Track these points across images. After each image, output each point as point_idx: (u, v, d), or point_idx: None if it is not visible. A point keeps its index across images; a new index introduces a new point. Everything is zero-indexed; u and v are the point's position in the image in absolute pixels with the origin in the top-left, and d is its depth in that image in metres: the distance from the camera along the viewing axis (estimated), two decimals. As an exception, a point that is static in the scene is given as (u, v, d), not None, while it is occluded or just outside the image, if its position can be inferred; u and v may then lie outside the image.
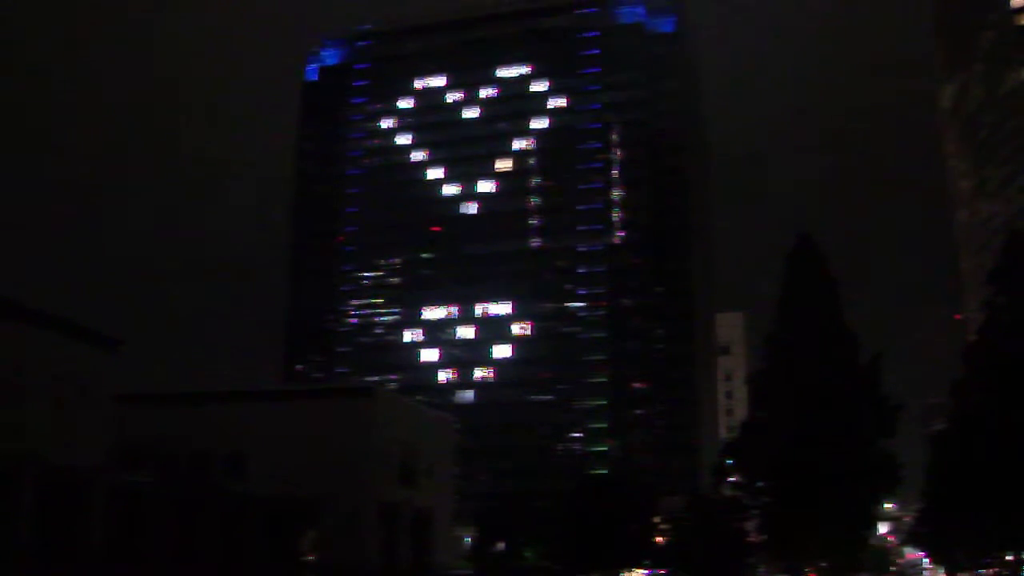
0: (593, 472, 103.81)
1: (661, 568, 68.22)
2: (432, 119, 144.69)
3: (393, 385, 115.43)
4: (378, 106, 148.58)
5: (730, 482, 49.48)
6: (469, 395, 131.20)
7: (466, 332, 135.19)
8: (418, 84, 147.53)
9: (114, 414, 40.29)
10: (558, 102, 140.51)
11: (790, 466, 42.23)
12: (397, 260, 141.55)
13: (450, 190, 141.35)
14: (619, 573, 68.37)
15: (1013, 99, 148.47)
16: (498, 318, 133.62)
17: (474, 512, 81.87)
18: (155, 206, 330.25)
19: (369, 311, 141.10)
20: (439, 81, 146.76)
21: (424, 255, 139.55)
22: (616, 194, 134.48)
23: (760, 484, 45.75)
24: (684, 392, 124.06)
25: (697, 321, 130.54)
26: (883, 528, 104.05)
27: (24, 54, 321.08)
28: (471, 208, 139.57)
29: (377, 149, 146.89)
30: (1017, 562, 47.44)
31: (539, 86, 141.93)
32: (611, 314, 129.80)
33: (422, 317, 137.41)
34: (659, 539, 69.73)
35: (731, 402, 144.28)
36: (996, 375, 40.24)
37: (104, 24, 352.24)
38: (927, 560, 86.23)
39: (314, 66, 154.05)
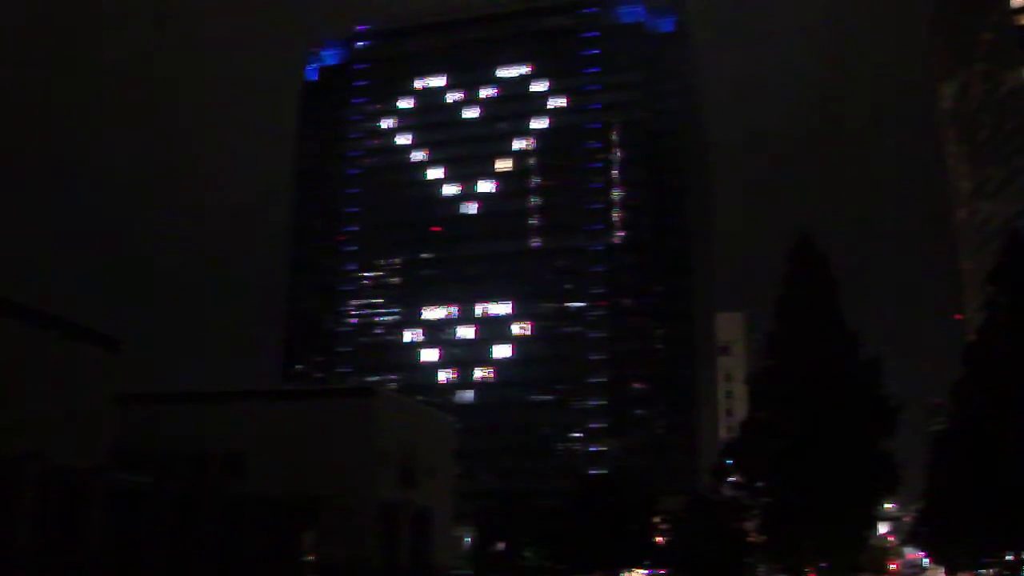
0: (593, 472, 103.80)
1: (661, 568, 68.26)
2: (432, 119, 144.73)
3: (393, 385, 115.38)
4: (378, 106, 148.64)
5: (730, 482, 49.39)
6: (469, 395, 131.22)
7: (466, 332, 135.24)
8: (418, 84, 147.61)
9: (114, 414, 40.23)
10: (558, 102, 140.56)
11: (790, 466, 42.19)
12: (397, 260, 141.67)
13: (450, 190, 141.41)
14: (619, 573, 68.41)
15: (1013, 99, 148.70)
16: (498, 318, 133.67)
17: (474, 512, 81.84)
18: (155, 206, 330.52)
19: (369, 311, 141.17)
20: (439, 81, 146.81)
21: (424, 255, 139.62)
22: (616, 194, 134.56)
23: (760, 484, 45.69)
24: (684, 392, 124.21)
25: (697, 321, 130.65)
26: (883, 528, 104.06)
27: (22, 52, 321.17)
28: (471, 208, 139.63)
29: (377, 149, 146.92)
30: (1017, 562, 47.41)
31: (539, 86, 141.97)
32: (611, 314, 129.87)
33: (422, 317, 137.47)
34: (659, 539, 69.76)
35: (731, 402, 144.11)
36: (996, 375, 40.24)
37: (103, 23, 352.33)
38: (927, 560, 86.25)
39: (314, 66, 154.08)
